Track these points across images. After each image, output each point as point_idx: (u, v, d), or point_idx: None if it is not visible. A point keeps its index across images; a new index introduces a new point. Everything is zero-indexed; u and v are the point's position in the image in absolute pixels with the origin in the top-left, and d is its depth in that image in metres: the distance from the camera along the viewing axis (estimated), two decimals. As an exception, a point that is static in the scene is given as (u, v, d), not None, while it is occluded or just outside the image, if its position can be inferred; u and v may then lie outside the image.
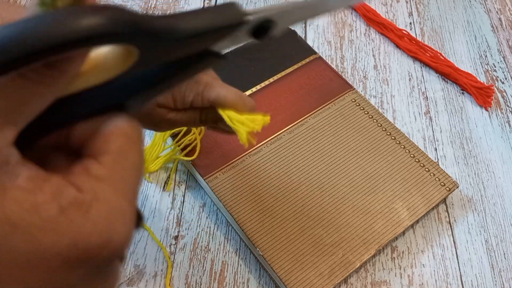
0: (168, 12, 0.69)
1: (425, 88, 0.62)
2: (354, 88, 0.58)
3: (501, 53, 0.66)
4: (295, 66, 0.59)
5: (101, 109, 0.22)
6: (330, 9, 0.30)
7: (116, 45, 0.20)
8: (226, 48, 0.26)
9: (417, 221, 0.50)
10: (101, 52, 0.21)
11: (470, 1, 0.73)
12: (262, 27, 0.26)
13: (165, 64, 0.24)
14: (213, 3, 0.70)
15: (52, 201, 0.18)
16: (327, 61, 0.62)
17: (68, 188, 0.19)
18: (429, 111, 0.60)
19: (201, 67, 0.25)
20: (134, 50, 0.20)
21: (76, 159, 0.21)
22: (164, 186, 0.52)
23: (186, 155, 0.51)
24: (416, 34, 0.68)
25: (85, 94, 0.21)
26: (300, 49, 0.61)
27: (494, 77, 0.64)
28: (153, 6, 0.69)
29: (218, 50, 0.25)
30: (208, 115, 0.38)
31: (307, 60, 0.60)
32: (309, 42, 0.66)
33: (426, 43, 0.67)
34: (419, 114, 0.59)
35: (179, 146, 0.51)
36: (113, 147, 0.21)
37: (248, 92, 0.56)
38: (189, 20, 0.22)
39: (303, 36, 0.66)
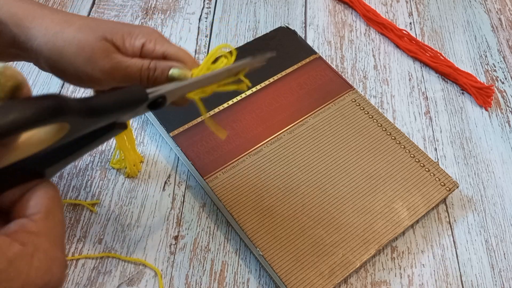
0: (168, 12, 0.69)
1: (425, 88, 0.62)
2: (354, 88, 0.58)
3: (501, 53, 0.66)
4: (295, 66, 0.59)
5: (26, 177, 0.28)
6: (212, 83, 0.37)
7: (50, 124, 0.25)
8: (128, 119, 0.34)
9: (417, 221, 0.50)
10: (37, 130, 0.26)
11: (470, 1, 0.73)
12: (156, 102, 0.34)
13: (79, 139, 0.29)
14: (213, 3, 0.70)
15: (1, 256, 0.23)
16: (327, 61, 0.62)
17: (13, 243, 0.24)
18: (429, 111, 0.60)
19: (109, 136, 0.32)
20: (66, 125, 0.26)
21: (6, 219, 0.27)
22: (164, 186, 0.52)
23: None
24: (416, 34, 0.68)
25: (14, 165, 0.27)
26: (300, 49, 0.61)
27: (494, 77, 0.64)
28: (153, 6, 0.69)
29: (122, 121, 0.33)
30: (156, 71, 0.37)
31: (307, 60, 0.60)
32: (309, 42, 0.66)
33: (426, 43, 0.67)
34: (419, 114, 0.59)
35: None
36: (43, 207, 0.26)
37: (248, 92, 0.56)
38: (105, 99, 0.29)
39: (303, 36, 0.66)
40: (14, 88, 0.25)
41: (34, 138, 0.27)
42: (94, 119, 0.29)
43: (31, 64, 0.38)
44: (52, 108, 0.24)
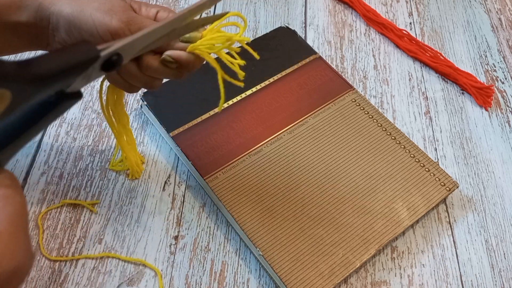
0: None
1: (425, 88, 0.62)
2: (354, 88, 0.58)
3: (501, 53, 0.66)
4: (295, 66, 0.59)
5: None
6: (175, 35, 0.34)
7: None
8: (81, 87, 0.29)
9: (417, 221, 0.50)
10: None
11: (470, 1, 0.73)
12: (111, 61, 0.29)
13: (27, 114, 0.26)
14: (213, 3, 0.70)
15: None
16: (327, 61, 0.62)
17: None
18: (429, 111, 0.60)
19: (61, 109, 0.28)
20: (6, 93, 0.23)
21: None
22: (164, 186, 0.52)
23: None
24: (416, 34, 0.68)
25: None
26: (300, 49, 0.61)
27: (494, 77, 0.64)
28: (153, 6, 0.69)
29: (74, 89, 0.28)
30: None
31: (307, 60, 0.60)
32: (309, 42, 0.66)
33: (426, 43, 0.67)
34: (419, 114, 0.59)
35: None
36: (0, 196, 0.26)
37: (248, 92, 0.56)
38: (48, 60, 0.25)
39: (303, 36, 0.66)
40: None
41: None
42: (38, 85, 0.25)
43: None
44: None
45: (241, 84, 0.38)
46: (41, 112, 0.27)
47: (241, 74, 0.38)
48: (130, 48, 0.31)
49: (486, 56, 0.66)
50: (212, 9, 0.70)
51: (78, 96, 0.28)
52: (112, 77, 0.39)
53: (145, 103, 0.54)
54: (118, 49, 0.30)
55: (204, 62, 0.40)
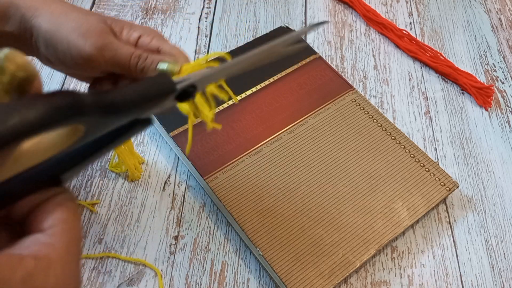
0: (168, 12, 0.69)
1: (425, 88, 0.62)
2: (354, 88, 0.58)
3: (501, 53, 0.66)
4: (295, 66, 0.59)
5: (41, 185, 0.24)
6: (244, 70, 0.34)
7: (62, 127, 0.22)
8: (153, 114, 0.29)
9: (417, 221, 0.50)
10: (48, 134, 0.22)
11: (470, 1, 0.73)
12: (187, 92, 0.30)
13: (97, 140, 0.26)
14: (213, 3, 0.70)
15: (14, 275, 0.21)
16: (327, 61, 0.62)
17: (25, 259, 0.21)
18: (429, 111, 0.60)
19: (131, 133, 0.28)
20: (80, 127, 0.23)
21: (18, 238, 0.24)
22: (164, 186, 0.52)
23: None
24: (416, 34, 0.68)
25: (26, 172, 0.23)
26: (300, 49, 0.61)
27: (494, 77, 0.64)
28: (153, 6, 0.69)
29: (146, 116, 0.28)
30: (147, 60, 0.37)
31: (307, 60, 0.60)
32: (309, 42, 0.66)
33: (426, 43, 0.67)
34: (419, 114, 0.59)
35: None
36: (59, 220, 0.24)
37: (248, 92, 0.56)
38: (126, 93, 0.25)
39: (303, 36, 0.66)
40: (24, 80, 0.21)
41: (43, 143, 0.23)
42: (114, 117, 0.25)
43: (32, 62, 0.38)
44: (65, 108, 0.21)
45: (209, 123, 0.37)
46: (112, 136, 0.27)
47: (235, 98, 0.38)
48: (205, 80, 0.32)
49: (486, 56, 0.66)
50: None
51: (148, 122, 0.28)
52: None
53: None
54: (194, 82, 0.30)
55: None
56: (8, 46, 0.38)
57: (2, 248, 0.22)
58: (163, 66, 0.35)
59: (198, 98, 0.35)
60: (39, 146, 0.23)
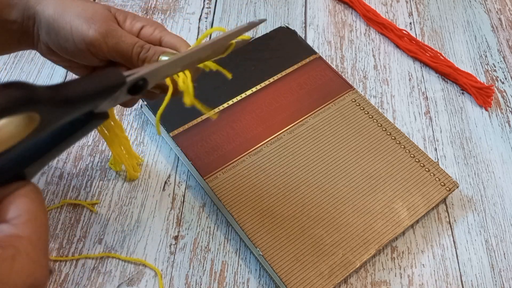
0: (168, 12, 0.69)
1: (425, 88, 0.62)
2: (354, 88, 0.58)
3: (501, 53, 0.66)
4: (295, 66, 0.59)
5: (5, 180, 0.25)
6: (197, 62, 0.35)
7: (16, 115, 0.23)
8: (108, 108, 0.30)
9: (417, 221, 0.50)
10: (3, 123, 0.24)
11: (470, 1, 0.73)
12: (137, 85, 0.31)
13: (56, 131, 0.27)
14: (213, 3, 0.70)
15: None
16: (327, 61, 0.62)
17: None
18: (429, 111, 0.60)
19: (89, 128, 0.29)
20: (35, 116, 0.24)
21: None
22: (164, 186, 0.52)
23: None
24: (416, 34, 0.68)
25: None
26: (300, 49, 0.61)
27: (494, 77, 0.64)
28: (153, 6, 0.69)
29: (101, 110, 0.30)
30: (149, 51, 0.37)
31: (307, 60, 0.60)
32: (309, 42, 0.66)
33: (426, 43, 0.67)
34: (419, 114, 0.59)
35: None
36: (24, 211, 0.25)
37: (248, 92, 0.56)
38: (78, 85, 0.27)
39: (303, 36, 0.66)
40: None
41: (1, 132, 0.24)
42: (67, 108, 0.26)
43: (33, 61, 0.39)
44: (18, 98, 0.22)
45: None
46: (69, 130, 0.28)
47: (229, 75, 0.38)
48: (155, 74, 0.32)
49: (486, 56, 0.66)
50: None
51: (105, 116, 0.30)
52: None
53: (145, 103, 0.54)
54: (144, 75, 0.31)
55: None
56: (13, 35, 0.38)
57: None
58: (165, 58, 0.35)
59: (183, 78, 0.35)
60: None
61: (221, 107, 0.54)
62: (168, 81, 0.35)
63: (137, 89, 0.31)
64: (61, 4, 0.36)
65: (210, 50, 0.35)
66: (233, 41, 0.36)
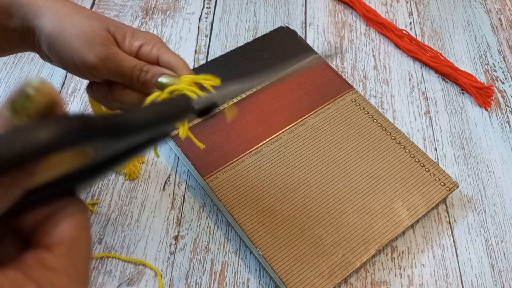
0: (168, 12, 0.69)
1: (425, 88, 0.62)
2: (354, 88, 0.58)
3: (501, 53, 0.66)
4: (295, 66, 0.59)
5: (53, 196, 0.23)
6: (256, 86, 0.37)
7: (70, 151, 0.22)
8: (173, 129, 0.30)
9: (417, 221, 0.50)
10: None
11: (470, 1, 0.73)
12: (207, 109, 0.31)
13: (111, 156, 0.26)
14: (213, 3, 0.70)
15: None
16: (327, 61, 0.62)
17: (27, 282, 0.20)
18: (429, 111, 0.60)
19: (146, 149, 0.28)
20: (88, 150, 0.23)
21: (25, 247, 0.22)
22: (164, 186, 0.52)
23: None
24: (416, 34, 0.68)
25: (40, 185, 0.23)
26: (300, 49, 0.61)
27: (494, 77, 0.64)
28: (153, 6, 0.69)
29: (164, 132, 0.28)
30: (148, 74, 0.37)
31: (307, 60, 0.60)
32: (309, 42, 0.66)
33: (426, 43, 0.67)
34: (419, 114, 0.59)
35: None
36: (66, 237, 0.22)
37: (248, 92, 0.56)
38: (141, 112, 0.25)
39: (303, 36, 0.66)
40: (47, 107, 0.21)
41: (60, 159, 0.23)
42: (124, 139, 0.25)
43: (33, 61, 0.38)
44: (75, 130, 0.21)
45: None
46: (126, 152, 0.26)
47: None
48: (224, 97, 0.33)
49: (486, 56, 0.66)
50: (212, 9, 0.70)
51: (166, 137, 0.29)
52: (93, 94, 0.40)
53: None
54: (215, 100, 0.32)
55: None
56: (13, 41, 0.38)
57: (10, 258, 0.22)
58: (163, 79, 0.36)
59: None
60: (56, 163, 0.23)
61: (221, 107, 0.54)
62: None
63: (206, 113, 0.32)
64: (59, 21, 0.35)
65: (266, 82, 0.37)
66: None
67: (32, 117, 0.21)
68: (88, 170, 0.25)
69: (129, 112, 0.25)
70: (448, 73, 0.62)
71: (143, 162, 0.53)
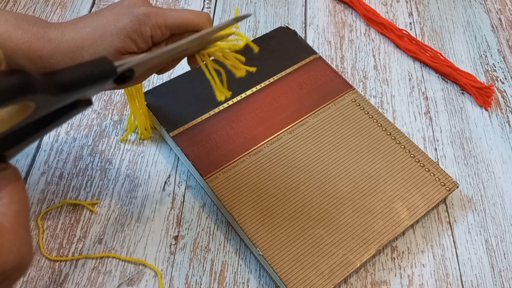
0: (168, 12, 0.68)
1: (425, 88, 0.62)
2: (354, 88, 0.58)
3: (501, 53, 0.66)
4: (295, 66, 0.59)
5: None
6: (181, 56, 0.36)
7: (14, 104, 0.24)
8: (92, 95, 0.31)
9: (417, 221, 0.50)
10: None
11: (470, 1, 0.73)
12: (124, 76, 0.32)
13: (40, 118, 0.27)
14: (213, 3, 0.70)
15: None
16: (327, 61, 0.62)
17: None
18: (429, 111, 0.60)
19: (72, 114, 0.30)
20: (31, 104, 0.25)
21: None
22: (164, 186, 0.52)
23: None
24: (416, 34, 0.68)
25: None
26: (300, 49, 0.61)
27: (494, 77, 0.64)
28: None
29: (86, 97, 0.30)
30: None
31: (307, 60, 0.60)
32: (309, 42, 0.66)
33: (426, 43, 0.67)
34: (419, 114, 0.59)
35: None
36: (7, 192, 0.26)
37: (248, 92, 0.56)
38: (72, 73, 0.27)
39: (303, 36, 0.66)
40: None
41: None
42: (62, 96, 0.27)
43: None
44: (18, 86, 0.23)
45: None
46: (54, 116, 0.28)
47: (252, 69, 0.40)
48: (142, 65, 0.34)
49: (486, 56, 0.66)
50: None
51: (89, 103, 0.30)
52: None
53: (145, 103, 0.54)
54: (131, 66, 0.32)
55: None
56: None
57: None
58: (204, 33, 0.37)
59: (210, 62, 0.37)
60: None
61: (221, 107, 0.54)
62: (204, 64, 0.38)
63: (124, 79, 0.32)
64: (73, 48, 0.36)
65: (196, 44, 0.36)
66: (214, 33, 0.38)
67: None
68: (20, 132, 0.27)
69: (63, 70, 0.27)
70: (448, 73, 0.62)
71: (152, 127, 0.55)
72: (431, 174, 0.51)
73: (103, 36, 0.35)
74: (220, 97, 0.41)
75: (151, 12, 0.36)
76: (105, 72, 0.30)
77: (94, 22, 0.36)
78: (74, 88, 0.27)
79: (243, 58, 0.40)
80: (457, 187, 0.51)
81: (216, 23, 0.68)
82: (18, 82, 0.23)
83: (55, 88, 0.26)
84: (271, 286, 0.46)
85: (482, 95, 0.60)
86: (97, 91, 0.32)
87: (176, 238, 0.48)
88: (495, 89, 0.62)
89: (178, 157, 0.54)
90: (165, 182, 0.52)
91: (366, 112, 0.56)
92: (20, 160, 0.53)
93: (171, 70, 0.49)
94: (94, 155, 0.54)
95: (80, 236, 0.48)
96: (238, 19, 0.38)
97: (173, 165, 0.53)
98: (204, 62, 0.40)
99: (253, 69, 0.41)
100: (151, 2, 0.69)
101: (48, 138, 0.55)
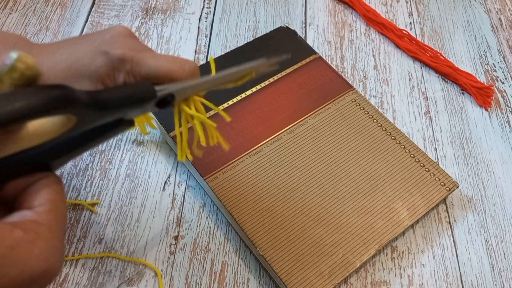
0: (168, 12, 0.69)
1: (425, 88, 0.62)
2: (354, 88, 0.58)
3: (501, 53, 0.66)
4: (295, 66, 0.59)
5: (31, 169, 0.28)
6: (220, 86, 0.37)
7: (56, 115, 0.26)
8: (135, 116, 0.33)
9: (417, 221, 0.50)
10: (43, 120, 0.26)
11: (470, 1, 0.73)
12: (165, 100, 0.33)
13: (85, 133, 0.29)
14: (213, 3, 0.70)
15: (2, 242, 0.23)
16: (327, 61, 0.62)
17: (15, 229, 0.24)
18: (429, 111, 0.60)
19: (115, 132, 0.32)
20: (72, 117, 0.26)
21: (7, 210, 0.27)
22: (164, 186, 0.52)
23: None
24: (416, 34, 0.68)
25: (19, 155, 0.27)
26: (300, 49, 0.61)
27: (494, 77, 0.64)
28: (153, 6, 0.69)
29: (129, 118, 0.32)
30: None
31: (307, 60, 0.60)
32: (309, 42, 0.66)
33: (426, 43, 0.67)
34: (419, 114, 0.59)
35: None
36: (46, 200, 0.27)
37: (248, 92, 0.56)
38: (113, 93, 0.29)
39: (303, 36, 0.66)
40: (32, 78, 0.25)
41: (40, 128, 0.26)
42: (102, 113, 0.28)
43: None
44: (60, 98, 0.24)
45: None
46: (98, 131, 0.30)
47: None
48: (183, 91, 0.34)
49: (486, 56, 0.66)
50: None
51: (131, 124, 0.32)
52: None
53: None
54: (172, 91, 0.33)
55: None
56: None
57: None
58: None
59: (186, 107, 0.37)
60: (37, 131, 0.26)
61: (221, 107, 0.54)
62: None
63: (165, 103, 0.33)
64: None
65: (232, 78, 0.38)
66: (253, 71, 0.39)
67: (16, 87, 0.24)
68: (66, 144, 0.29)
69: (106, 90, 0.29)
70: (448, 73, 0.62)
71: (152, 119, 0.54)
72: (431, 174, 0.51)
73: (76, 76, 0.32)
74: (180, 157, 0.40)
75: (127, 58, 0.33)
76: (145, 95, 0.31)
77: (70, 56, 0.33)
78: (114, 106, 0.29)
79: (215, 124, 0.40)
80: (457, 187, 0.51)
81: (216, 23, 0.68)
82: (60, 95, 0.25)
83: (96, 105, 0.27)
84: (271, 286, 0.46)
85: (482, 95, 0.60)
86: (138, 112, 0.33)
87: (176, 238, 0.49)
88: (495, 89, 0.62)
89: (178, 157, 0.54)
90: (165, 182, 0.52)
91: (366, 112, 0.56)
92: (20, 160, 0.53)
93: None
94: (94, 155, 0.54)
95: (80, 236, 0.48)
96: (275, 61, 0.39)
97: (173, 165, 0.53)
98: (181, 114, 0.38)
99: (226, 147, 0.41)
100: (151, 1, 0.69)
101: (48, 138, 0.55)
